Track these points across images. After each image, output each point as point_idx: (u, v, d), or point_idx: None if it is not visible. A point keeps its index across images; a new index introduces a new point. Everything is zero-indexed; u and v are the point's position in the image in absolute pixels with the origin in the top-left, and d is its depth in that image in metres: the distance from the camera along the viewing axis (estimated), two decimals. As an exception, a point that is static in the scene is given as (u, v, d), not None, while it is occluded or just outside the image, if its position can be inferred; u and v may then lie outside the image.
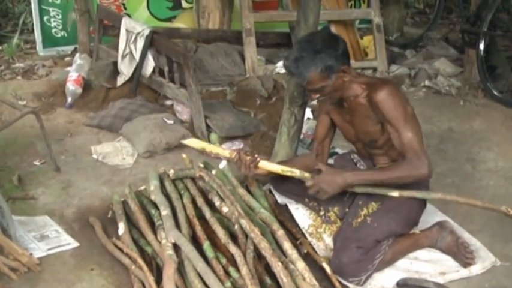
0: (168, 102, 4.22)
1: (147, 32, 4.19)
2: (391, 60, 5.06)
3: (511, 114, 4.14)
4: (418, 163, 2.51)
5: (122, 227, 2.69)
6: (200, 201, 2.69)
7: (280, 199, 3.01)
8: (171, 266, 2.24)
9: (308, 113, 3.75)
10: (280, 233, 2.44)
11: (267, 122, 3.95)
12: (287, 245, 2.36)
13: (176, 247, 2.38)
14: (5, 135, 3.52)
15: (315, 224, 2.81)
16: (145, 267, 2.42)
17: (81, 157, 3.57)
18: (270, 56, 4.98)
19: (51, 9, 5.21)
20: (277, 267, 2.20)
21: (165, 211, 2.59)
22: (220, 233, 2.44)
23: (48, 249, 2.67)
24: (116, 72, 4.43)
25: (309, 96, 2.82)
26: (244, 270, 2.23)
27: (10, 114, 3.86)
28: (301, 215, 2.89)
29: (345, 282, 2.47)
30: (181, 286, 2.30)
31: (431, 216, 2.84)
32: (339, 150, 3.40)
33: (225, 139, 3.70)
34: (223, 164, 2.94)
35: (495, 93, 4.33)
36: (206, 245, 2.42)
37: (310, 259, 2.55)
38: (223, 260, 2.38)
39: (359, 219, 2.61)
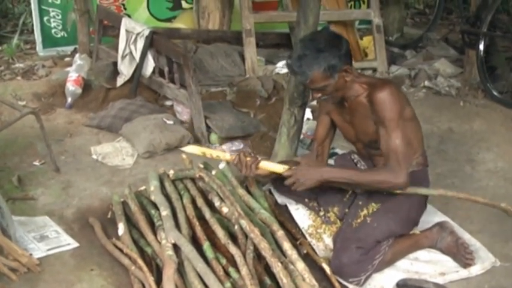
0: (168, 103, 4.22)
1: (147, 32, 4.19)
2: (391, 60, 5.05)
3: (510, 114, 4.14)
4: (397, 172, 2.51)
5: (121, 228, 2.68)
6: (200, 201, 2.69)
7: (280, 199, 3.01)
8: (171, 266, 2.24)
9: (308, 113, 3.75)
10: (280, 233, 2.43)
11: (267, 123, 3.95)
12: (287, 246, 2.36)
13: (176, 247, 2.38)
14: (5, 136, 3.51)
15: (315, 224, 2.82)
16: (145, 268, 2.42)
17: (81, 157, 3.56)
18: (270, 57, 4.98)
19: (51, 9, 5.20)
20: (277, 268, 2.20)
21: (165, 211, 2.59)
22: (220, 233, 2.44)
23: (48, 250, 2.67)
24: (115, 72, 4.42)
25: (311, 95, 2.82)
26: (244, 270, 2.23)
27: (10, 114, 3.86)
28: (301, 215, 2.89)
29: (345, 283, 2.47)
30: (181, 286, 2.30)
31: (431, 216, 2.84)
32: (339, 151, 3.40)
33: (224, 139, 3.71)
34: (223, 165, 2.94)
35: (495, 93, 4.33)
36: (206, 246, 2.42)
37: (310, 259, 2.55)
38: (223, 261, 2.38)
39: (359, 220, 2.61)
